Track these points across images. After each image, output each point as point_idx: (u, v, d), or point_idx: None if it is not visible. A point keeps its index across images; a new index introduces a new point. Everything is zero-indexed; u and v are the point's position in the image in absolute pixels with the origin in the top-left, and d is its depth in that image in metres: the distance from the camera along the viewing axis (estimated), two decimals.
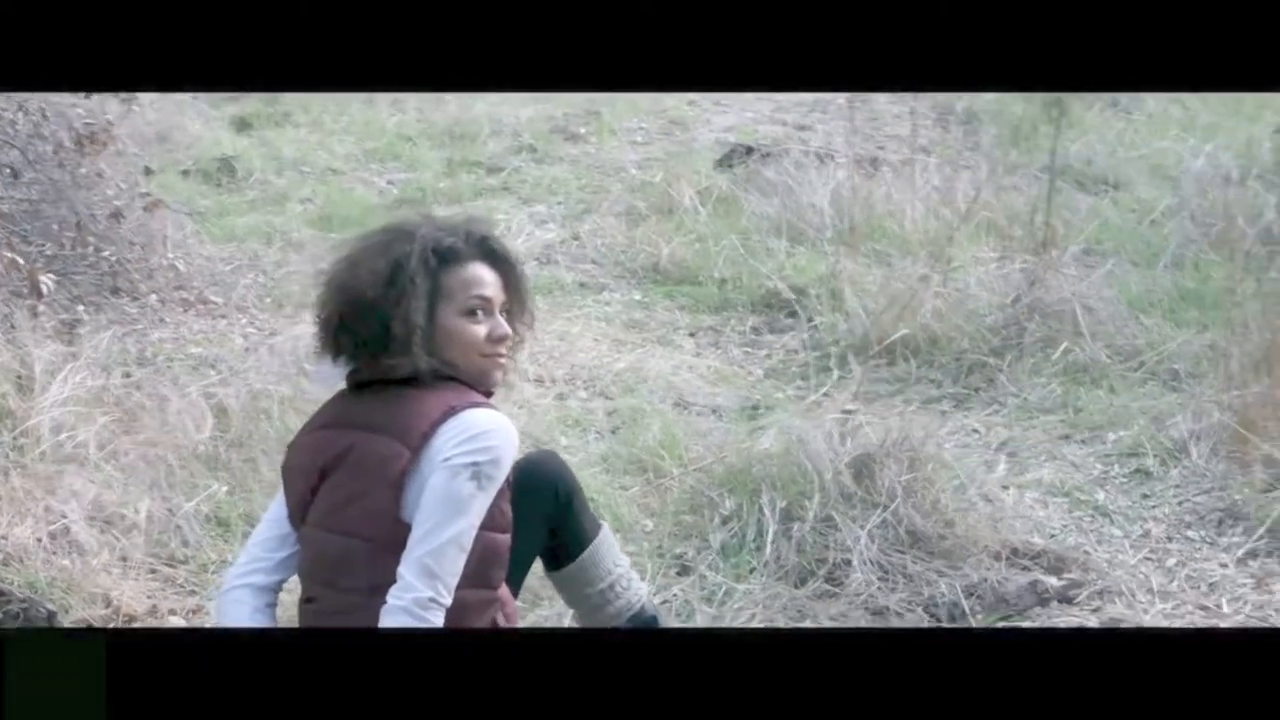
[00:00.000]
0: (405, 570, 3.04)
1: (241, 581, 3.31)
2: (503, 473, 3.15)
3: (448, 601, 3.06)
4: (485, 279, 3.29)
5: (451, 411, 3.13)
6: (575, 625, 3.97)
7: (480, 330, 3.26)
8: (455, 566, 3.07)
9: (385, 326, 3.16)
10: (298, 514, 3.27)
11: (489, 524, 3.16)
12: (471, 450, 3.08)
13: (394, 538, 3.08)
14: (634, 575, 3.82)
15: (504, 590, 3.30)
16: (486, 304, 3.27)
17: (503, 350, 3.31)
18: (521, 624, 4.11)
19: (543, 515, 3.62)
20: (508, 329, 3.31)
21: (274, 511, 3.37)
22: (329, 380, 3.33)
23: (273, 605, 3.32)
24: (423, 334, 3.18)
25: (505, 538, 3.24)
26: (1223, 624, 4.25)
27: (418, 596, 3.02)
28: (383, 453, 3.12)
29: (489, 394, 3.30)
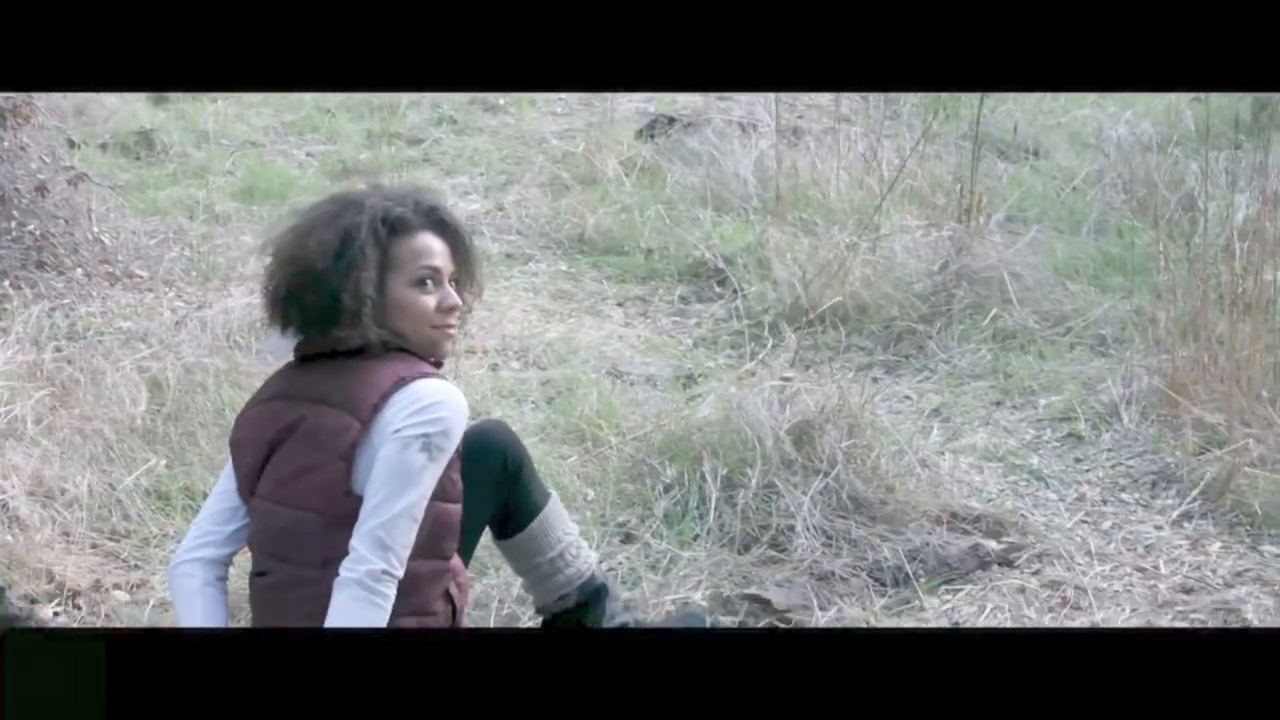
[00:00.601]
0: (357, 543, 3.03)
1: (191, 556, 3.30)
2: (453, 443, 3.14)
3: (400, 573, 3.05)
4: (434, 249, 3.28)
5: (402, 383, 3.12)
6: (523, 593, 3.98)
7: (430, 301, 3.25)
8: (407, 538, 3.07)
9: (335, 298, 3.14)
10: (246, 487, 3.26)
11: (440, 494, 3.16)
12: (422, 421, 3.08)
13: (345, 510, 3.08)
14: (583, 543, 3.83)
15: (456, 560, 3.30)
16: (436, 274, 3.26)
17: (452, 320, 3.30)
18: (470, 593, 4.13)
19: (492, 484, 3.63)
20: (457, 299, 3.30)
21: (222, 485, 3.36)
22: (279, 352, 3.32)
23: (223, 579, 3.31)
24: (373, 305, 3.17)
25: (456, 508, 3.24)
26: (1161, 585, 4.29)
27: (370, 569, 3.01)
28: (333, 425, 3.11)
29: (438, 364, 3.29)
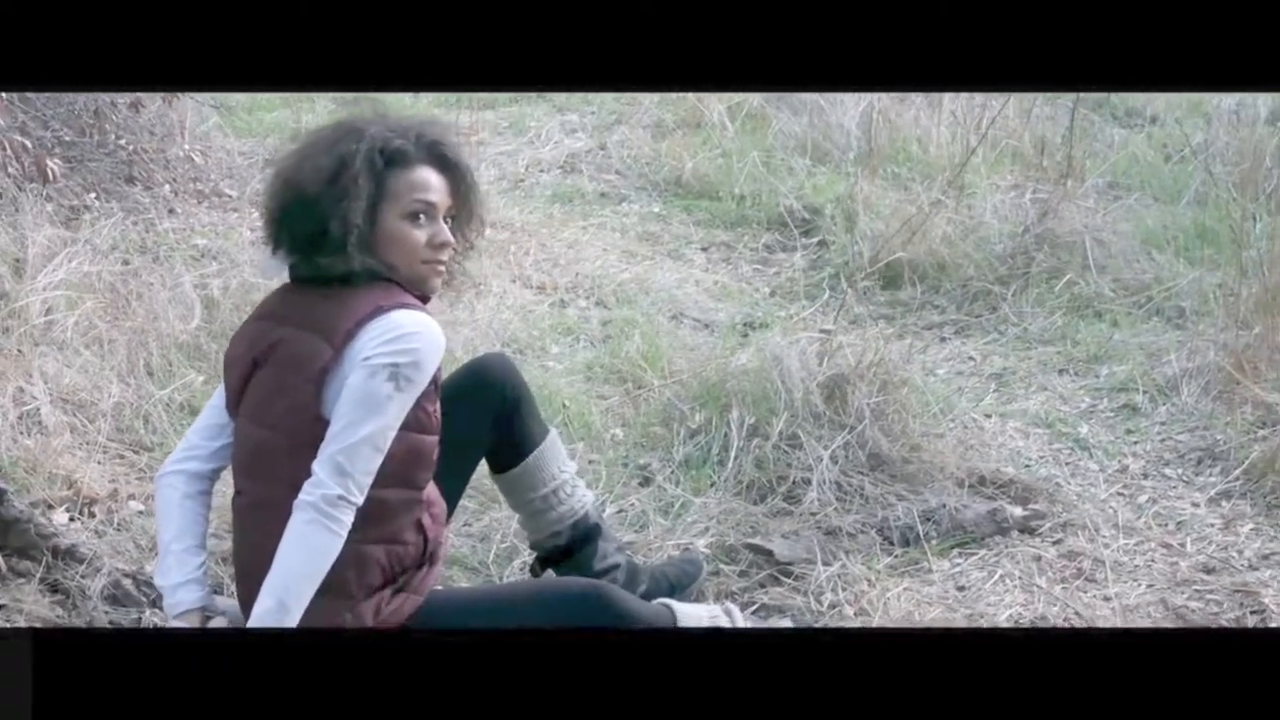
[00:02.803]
0: (317, 466, 3.04)
1: (176, 467, 3.35)
2: (424, 375, 3.13)
3: (358, 500, 3.06)
4: (431, 183, 3.26)
5: (379, 311, 3.11)
6: (521, 530, 3.98)
7: (420, 235, 3.23)
8: (369, 466, 3.07)
9: (322, 224, 3.14)
10: (232, 404, 3.29)
11: (413, 425, 3.15)
12: (392, 351, 3.07)
13: (313, 434, 3.08)
14: (579, 482, 3.84)
15: (430, 490, 3.29)
16: (430, 209, 3.25)
17: (443, 257, 3.28)
18: (476, 525, 4.16)
19: (489, 416, 3.66)
20: (449, 236, 3.28)
21: (215, 399, 3.40)
22: (270, 272, 3.34)
23: (206, 493, 3.35)
24: (360, 235, 3.15)
25: (430, 439, 3.23)
26: (1183, 563, 4.22)
27: (326, 493, 3.02)
28: (308, 349, 3.12)
29: (425, 299, 3.28)
